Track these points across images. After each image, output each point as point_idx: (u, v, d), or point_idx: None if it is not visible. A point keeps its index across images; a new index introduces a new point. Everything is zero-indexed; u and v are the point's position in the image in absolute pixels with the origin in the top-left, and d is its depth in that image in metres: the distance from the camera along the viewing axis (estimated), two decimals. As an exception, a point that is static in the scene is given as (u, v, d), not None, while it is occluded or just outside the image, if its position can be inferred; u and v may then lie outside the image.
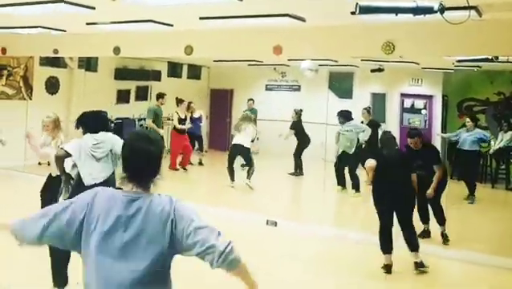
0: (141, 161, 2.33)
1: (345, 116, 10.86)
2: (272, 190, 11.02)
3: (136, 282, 2.22)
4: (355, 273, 6.27)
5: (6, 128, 8.50)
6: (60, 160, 5.13)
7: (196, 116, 13.30)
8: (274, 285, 5.65)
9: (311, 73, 12.18)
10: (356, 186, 10.54)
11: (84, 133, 5.19)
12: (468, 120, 10.94)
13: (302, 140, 12.60)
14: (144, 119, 14.76)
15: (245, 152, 10.44)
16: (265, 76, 16.49)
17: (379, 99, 14.49)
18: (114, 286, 2.22)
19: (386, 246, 6.17)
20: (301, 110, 12.73)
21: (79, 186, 4.89)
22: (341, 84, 15.34)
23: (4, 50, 11.10)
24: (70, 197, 4.30)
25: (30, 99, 12.00)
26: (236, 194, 10.16)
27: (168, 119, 13.25)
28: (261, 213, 8.44)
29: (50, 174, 6.00)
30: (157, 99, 11.95)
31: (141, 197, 2.31)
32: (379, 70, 12.99)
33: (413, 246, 6.23)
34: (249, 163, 10.51)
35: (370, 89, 14.73)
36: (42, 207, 6.36)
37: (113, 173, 5.20)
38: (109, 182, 4.92)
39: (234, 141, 10.61)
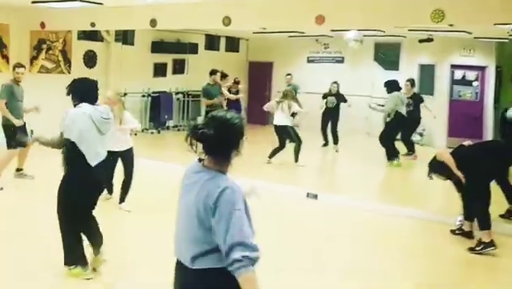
0: (215, 140, 2.41)
1: (391, 86, 10.49)
2: (312, 163, 10.73)
3: (189, 242, 2.44)
4: (406, 248, 5.96)
5: (46, 102, 8.39)
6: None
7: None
8: (321, 261, 5.46)
9: (356, 44, 11.77)
10: (393, 155, 10.34)
11: (77, 103, 4.51)
12: None
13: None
14: (181, 92, 14.65)
15: (284, 131, 10.00)
16: (306, 48, 16.10)
17: (427, 71, 13.80)
18: (178, 241, 2.55)
19: (490, 221, 5.81)
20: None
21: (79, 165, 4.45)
22: (387, 55, 14.85)
23: (43, 25, 11.03)
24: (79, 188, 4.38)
25: (69, 72, 11.99)
26: (276, 167, 9.92)
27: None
28: (301, 187, 8.29)
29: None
30: (210, 75, 11.42)
31: (203, 172, 2.45)
32: (428, 40, 12.37)
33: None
34: (294, 141, 10.08)
35: (418, 60, 14.08)
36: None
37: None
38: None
39: (274, 122, 10.23)
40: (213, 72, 11.28)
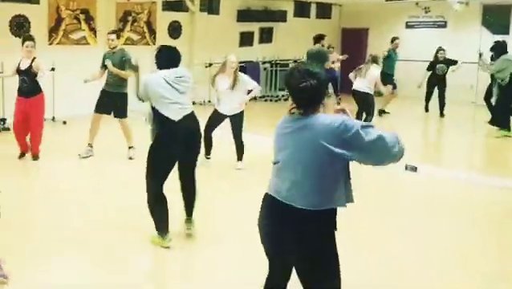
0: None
1: (498, 49, 9.90)
2: (411, 134, 10.15)
3: (312, 186, 2.64)
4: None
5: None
6: None
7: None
8: (424, 236, 5.08)
9: (461, 7, 11.03)
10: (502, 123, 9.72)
11: (160, 68, 4.58)
12: None
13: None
14: (269, 62, 14.17)
15: (364, 98, 9.33)
16: (405, 12, 15.38)
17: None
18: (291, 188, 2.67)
19: None
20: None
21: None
22: (496, 19, 13.80)
23: None
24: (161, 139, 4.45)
25: (154, 44, 11.91)
26: None
27: (295, 61, 12.22)
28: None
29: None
30: (317, 41, 10.69)
31: (303, 118, 2.65)
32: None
33: None
34: (367, 110, 9.39)
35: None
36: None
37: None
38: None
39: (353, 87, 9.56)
40: (321, 37, 10.55)
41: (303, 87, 2.58)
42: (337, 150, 2.50)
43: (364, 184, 6.20)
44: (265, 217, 2.76)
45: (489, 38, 13.00)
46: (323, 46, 10.47)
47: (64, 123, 9.88)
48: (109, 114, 7.58)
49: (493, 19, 13.81)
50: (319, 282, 2.64)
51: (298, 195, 2.60)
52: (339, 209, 2.67)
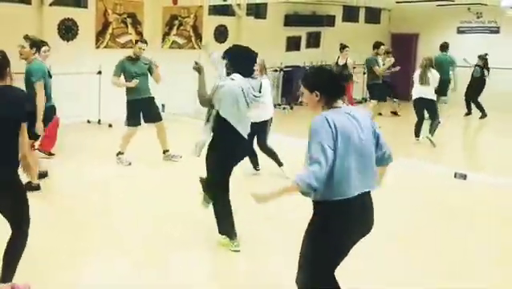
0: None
1: None
2: (460, 141, 10.32)
3: (372, 170, 3.05)
4: None
5: (179, 78, 8.29)
6: None
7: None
8: (476, 246, 4.97)
9: None
10: None
11: (230, 72, 4.43)
12: None
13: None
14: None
15: (430, 105, 9.32)
16: (456, 17, 15.14)
17: None
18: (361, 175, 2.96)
19: None
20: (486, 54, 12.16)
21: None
22: None
23: (175, 1, 11.04)
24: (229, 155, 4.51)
25: (200, 48, 11.83)
26: (421, 146, 9.49)
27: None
28: (448, 166, 7.86)
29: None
30: (374, 48, 10.91)
31: (348, 110, 3.02)
32: None
33: None
34: (433, 116, 9.40)
35: None
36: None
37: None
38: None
39: (416, 94, 9.42)
40: (378, 45, 10.92)
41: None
42: None
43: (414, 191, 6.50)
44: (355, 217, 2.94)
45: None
46: (377, 54, 10.57)
47: (110, 126, 9.97)
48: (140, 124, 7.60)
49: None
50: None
51: (367, 182, 2.96)
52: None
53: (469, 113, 12.49)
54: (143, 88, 7.52)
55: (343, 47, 11.38)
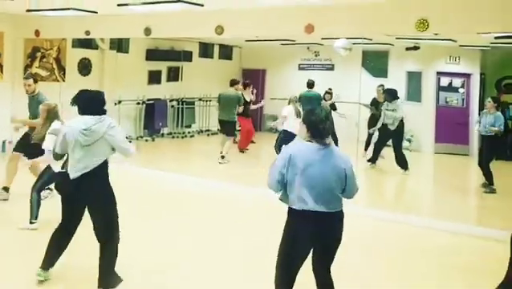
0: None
1: (391, 94, 10.85)
2: None
3: (330, 194, 3.83)
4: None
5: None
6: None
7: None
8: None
9: (345, 52, 11.80)
10: (404, 164, 10.69)
11: (80, 114, 4.56)
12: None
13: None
14: (176, 100, 14.82)
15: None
16: (298, 55, 16.27)
17: (414, 78, 14.11)
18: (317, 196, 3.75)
19: None
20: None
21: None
22: (376, 63, 14.92)
23: (38, 33, 11.11)
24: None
25: (63, 80, 11.97)
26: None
27: (200, 99, 12.93)
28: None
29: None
30: (232, 85, 11.54)
31: (328, 148, 3.84)
32: (415, 48, 12.67)
33: None
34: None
35: (405, 68, 14.34)
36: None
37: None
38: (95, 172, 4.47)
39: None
40: (235, 82, 11.63)
41: (328, 128, 3.80)
42: None
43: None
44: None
45: (370, 80, 13.89)
46: (236, 90, 11.46)
47: None
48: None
49: (372, 64, 14.76)
50: None
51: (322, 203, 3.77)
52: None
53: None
54: None
55: (247, 85, 12.23)
